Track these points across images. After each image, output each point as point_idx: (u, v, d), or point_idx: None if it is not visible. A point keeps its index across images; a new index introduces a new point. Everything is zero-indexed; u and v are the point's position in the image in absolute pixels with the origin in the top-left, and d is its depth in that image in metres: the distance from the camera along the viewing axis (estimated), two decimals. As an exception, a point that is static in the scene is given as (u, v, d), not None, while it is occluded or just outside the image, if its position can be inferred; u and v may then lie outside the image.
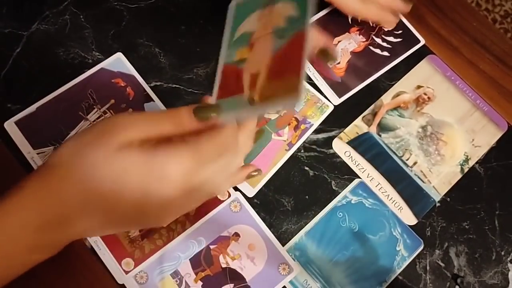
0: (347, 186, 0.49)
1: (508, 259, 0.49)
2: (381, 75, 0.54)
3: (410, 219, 0.48)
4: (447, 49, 0.56)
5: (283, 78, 0.29)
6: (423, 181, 0.50)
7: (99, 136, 0.30)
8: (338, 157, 0.50)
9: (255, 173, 0.41)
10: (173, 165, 0.29)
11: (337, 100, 0.52)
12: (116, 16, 0.52)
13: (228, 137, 0.32)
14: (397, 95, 0.54)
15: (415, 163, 0.51)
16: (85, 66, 0.49)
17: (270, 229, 0.46)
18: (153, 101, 0.49)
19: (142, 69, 0.50)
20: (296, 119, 0.50)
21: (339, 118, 0.51)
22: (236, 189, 0.47)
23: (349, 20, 0.55)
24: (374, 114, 0.52)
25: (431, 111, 0.53)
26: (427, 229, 0.48)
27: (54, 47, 0.50)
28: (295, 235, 0.46)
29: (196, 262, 0.44)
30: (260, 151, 0.49)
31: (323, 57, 0.38)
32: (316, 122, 0.51)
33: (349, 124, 0.52)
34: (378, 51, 0.55)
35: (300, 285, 0.45)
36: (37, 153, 0.45)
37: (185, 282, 0.43)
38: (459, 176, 0.51)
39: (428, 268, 0.47)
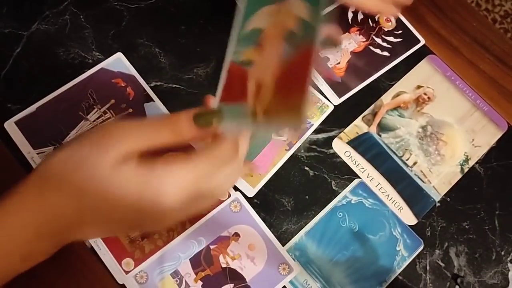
0: (347, 186, 0.49)
1: (508, 259, 0.49)
2: (381, 75, 0.54)
3: (410, 219, 0.48)
4: (447, 49, 0.56)
5: (288, 97, 0.29)
6: (423, 181, 0.50)
7: (95, 150, 0.29)
8: (338, 157, 0.50)
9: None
10: (170, 185, 0.29)
11: (337, 100, 0.52)
12: (116, 16, 0.52)
13: (228, 150, 0.32)
14: (397, 95, 0.54)
15: (415, 163, 0.51)
16: (85, 66, 0.49)
17: (270, 229, 0.46)
18: (153, 101, 0.49)
19: (142, 69, 0.50)
20: (296, 119, 0.50)
21: (339, 118, 0.51)
22: (236, 189, 0.47)
23: (349, 20, 0.55)
24: (374, 114, 0.52)
25: (431, 111, 0.53)
26: (427, 229, 0.48)
27: (54, 47, 0.50)
28: (295, 235, 0.46)
29: (196, 262, 0.44)
30: (260, 151, 0.49)
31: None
32: (316, 122, 0.51)
33: (349, 124, 0.52)
34: (378, 51, 0.55)
35: (300, 285, 0.45)
36: (37, 153, 0.45)
37: (185, 282, 0.43)
38: (459, 176, 0.51)
39: (428, 268, 0.47)
